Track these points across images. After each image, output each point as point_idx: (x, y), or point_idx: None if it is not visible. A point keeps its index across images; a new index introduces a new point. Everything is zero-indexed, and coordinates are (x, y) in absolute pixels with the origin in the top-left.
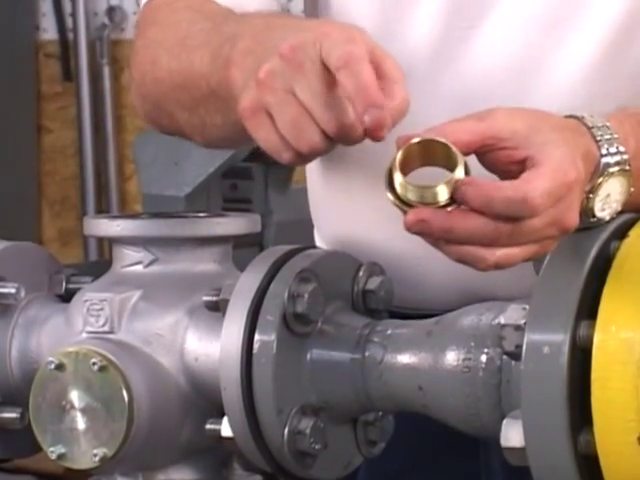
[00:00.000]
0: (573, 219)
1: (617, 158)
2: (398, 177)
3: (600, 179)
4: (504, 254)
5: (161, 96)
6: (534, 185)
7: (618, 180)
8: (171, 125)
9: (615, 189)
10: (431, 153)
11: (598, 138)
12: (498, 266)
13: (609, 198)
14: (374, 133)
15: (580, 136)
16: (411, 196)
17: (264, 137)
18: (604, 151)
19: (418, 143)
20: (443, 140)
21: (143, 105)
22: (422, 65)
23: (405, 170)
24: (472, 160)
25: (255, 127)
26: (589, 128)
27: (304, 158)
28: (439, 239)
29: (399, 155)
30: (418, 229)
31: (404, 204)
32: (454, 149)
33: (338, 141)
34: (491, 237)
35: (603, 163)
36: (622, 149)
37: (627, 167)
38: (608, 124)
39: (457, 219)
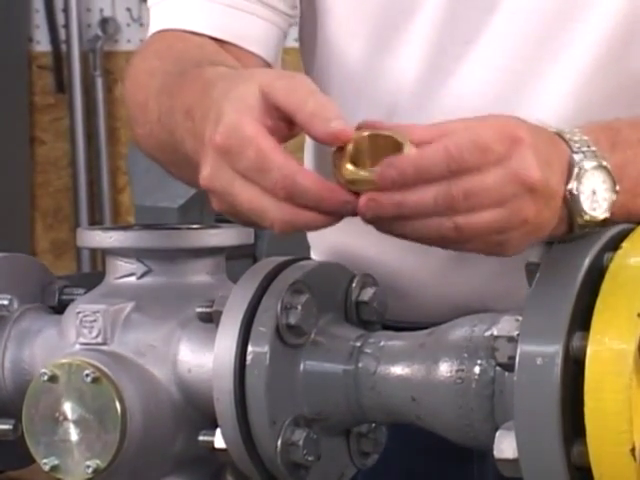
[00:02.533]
0: (531, 172)
1: (590, 154)
2: (348, 165)
3: (578, 175)
4: (465, 218)
5: (147, 147)
6: (451, 139)
7: (599, 176)
8: (164, 168)
9: (599, 185)
10: (381, 150)
11: (567, 137)
12: (460, 231)
13: (596, 196)
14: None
15: (545, 131)
16: (355, 180)
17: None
18: (575, 149)
19: (369, 137)
20: (390, 133)
21: (139, 144)
22: (417, 81)
23: (356, 164)
24: None
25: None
26: (557, 132)
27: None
28: (394, 219)
29: (349, 147)
30: (371, 211)
31: (352, 184)
32: (399, 137)
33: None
34: (446, 203)
35: (576, 160)
36: (594, 148)
37: (604, 162)
38: (576, 129)
39: (407, 192)
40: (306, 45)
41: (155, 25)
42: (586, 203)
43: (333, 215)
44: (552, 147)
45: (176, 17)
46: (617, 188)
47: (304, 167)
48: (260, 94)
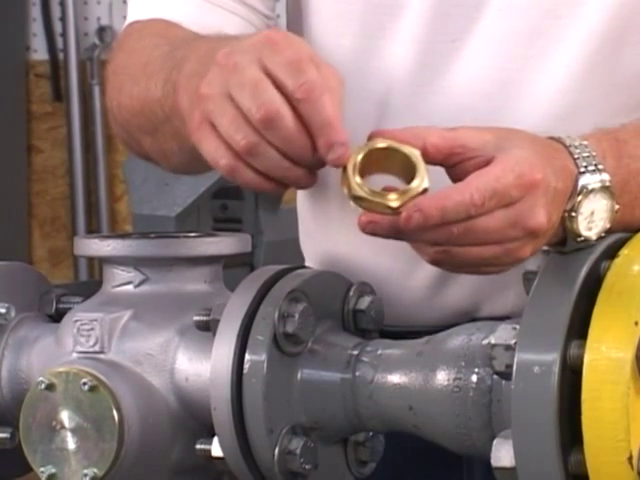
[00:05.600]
0: (536, 220)
1: (596, 175)
2: (357, 178)
3: (580, 197)
4: (458, 248)
5: (125, 122)
6: (476, 185)
7: (601, 197)
8: (140, 151)
9: (599, 207)
10: (391, 160)
11: (576, 156)
12: (450, 256)
13: (594, 216)
14: (335, 165)
15: (555, 151)
16: (364, 199)
17: (206, 147)
18: (582, 169)
19: (383, 148)
20: (407, 150)
21: (116, 130)
22: (406, 80)
23: (363, 172)
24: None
25: (199, 139)
26: (566, 146)
27: (242, 162)
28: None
29: (360, 157)
30: (370, 229)
31: (359, 201)
32: (415, 159)
33: (269, 133)
34: (444, 237)
35: (582, 180)
36: (601, 167)
37: (608, 184)
38: (586, 142)
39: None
40: None
41: (134, 15)
42: (583, 224)
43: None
44: (561, 173)
45: (155, 8)
46: (616, 208)
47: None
48: None
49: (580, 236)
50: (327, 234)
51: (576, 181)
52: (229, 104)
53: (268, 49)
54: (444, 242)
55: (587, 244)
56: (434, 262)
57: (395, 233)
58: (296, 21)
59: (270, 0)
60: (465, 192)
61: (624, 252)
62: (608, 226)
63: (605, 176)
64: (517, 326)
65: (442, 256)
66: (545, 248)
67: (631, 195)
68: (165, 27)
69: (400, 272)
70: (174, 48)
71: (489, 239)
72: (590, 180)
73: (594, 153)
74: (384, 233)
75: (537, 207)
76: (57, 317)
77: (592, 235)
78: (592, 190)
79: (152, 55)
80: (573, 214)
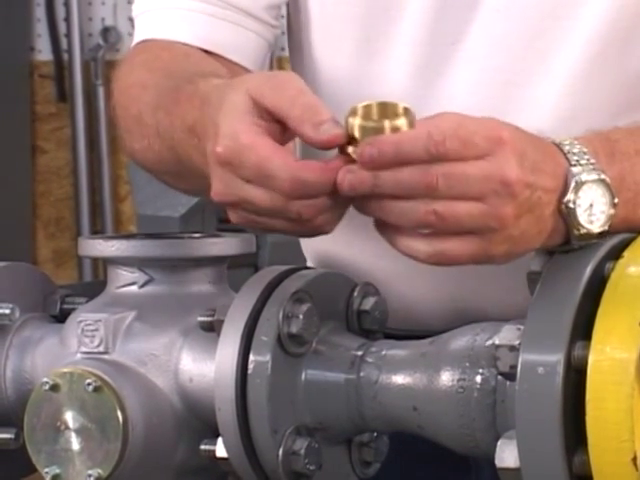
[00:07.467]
0: (511, 173)
1: (589, 166)
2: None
3: (574, 188)
4: (444, 205)
5: (144, 160)
6: (435, 123)
7: (597, 188)
8: (161, 179)
9: (597, 198)
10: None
11: (566, 149)
12: (440, 218)
13: (593, 208)
14: None
15: (543, 144)
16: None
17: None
18: (573, 161)
19: (376, 104)
20: (395, 102)
21: (134, 156)
22: (406, 84)
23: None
24: None
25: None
26: (557, 144)
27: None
28: (372, 197)
29: (360, 110)
30: (347, 184)
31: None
32: (402, 107)
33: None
34: (423, 185)
35: (574, 172)
36: (593, 161)
37: (602, 175)
38: (576, 141)
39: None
40: (294, 54)
41: (139, 35)
42: (583, 216)
43: (347, 195)
44: (546, 157)
45: (160, 27)
46: (616, 201)
47: (304, 161)
48: (250, 100)
49: (582, 228)
50: (328, 236)
51: (568, 173)
52: (256, 195)
53: (232, 169)
54: (425, 192)
55: (590, 240)
56: (424, 224)
57: (371, 181)
58: (296, 28)
59: (275, 9)
60: (422, 128)
61: (628, 253)
62: (612, 212)
63: (599, 169)
64: (521, 327)
65: (432, 218)
66: (549, 249)
67: (630, 192)
68: (153, 56)
69: (401, 276)
70: (157, 106)
71: (470, 191)
72: (583, 172)
73: (585, 149)
74: (361, 186)
75: (510, 162)
76: (61, 318)
77: (594, 228)
78: (586, 182)
79: (140, 107)
80: (571, 205)
